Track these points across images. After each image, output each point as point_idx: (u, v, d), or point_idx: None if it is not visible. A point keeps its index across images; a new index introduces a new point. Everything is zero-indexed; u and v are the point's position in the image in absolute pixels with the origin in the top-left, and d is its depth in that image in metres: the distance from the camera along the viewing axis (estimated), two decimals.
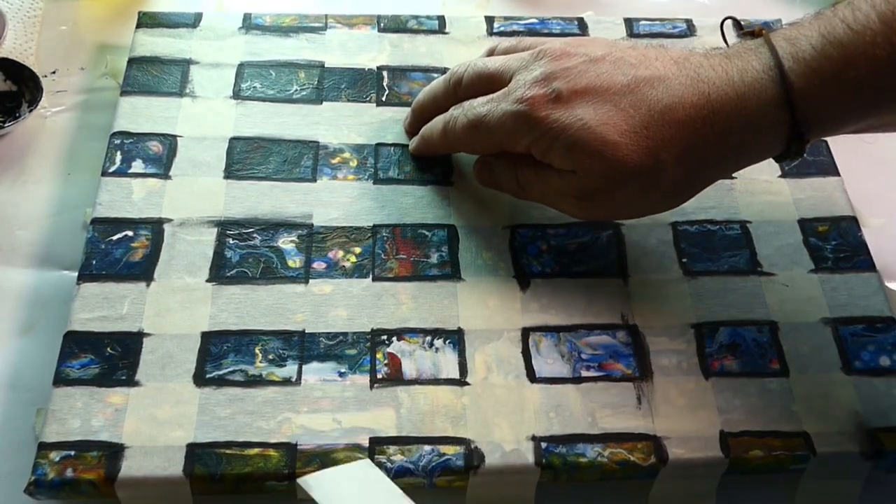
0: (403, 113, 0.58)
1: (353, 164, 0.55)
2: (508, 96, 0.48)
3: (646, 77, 0.45)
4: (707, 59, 0.46)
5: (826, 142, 0.59)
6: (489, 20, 0.64)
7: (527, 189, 0.50)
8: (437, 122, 0.53)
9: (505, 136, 0.48)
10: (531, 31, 0.64)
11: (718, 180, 0.49)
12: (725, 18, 0.61)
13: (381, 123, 0.58)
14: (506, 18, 0.65)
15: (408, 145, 0.56)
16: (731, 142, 0.44)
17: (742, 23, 0.65)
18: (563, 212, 0.50)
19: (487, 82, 0.50)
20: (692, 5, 0.72)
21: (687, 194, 0.48)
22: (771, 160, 0.47)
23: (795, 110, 0.43)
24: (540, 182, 0.49)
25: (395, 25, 0.63)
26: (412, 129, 0.56)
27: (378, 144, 0.56)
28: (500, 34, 0.63)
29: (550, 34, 0.64)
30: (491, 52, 0.54)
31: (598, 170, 0.45)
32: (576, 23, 0.65)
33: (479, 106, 0.50)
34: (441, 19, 0.64)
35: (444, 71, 0.60)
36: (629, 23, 0.65)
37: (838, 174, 0.57)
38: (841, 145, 0.59)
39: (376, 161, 0.55)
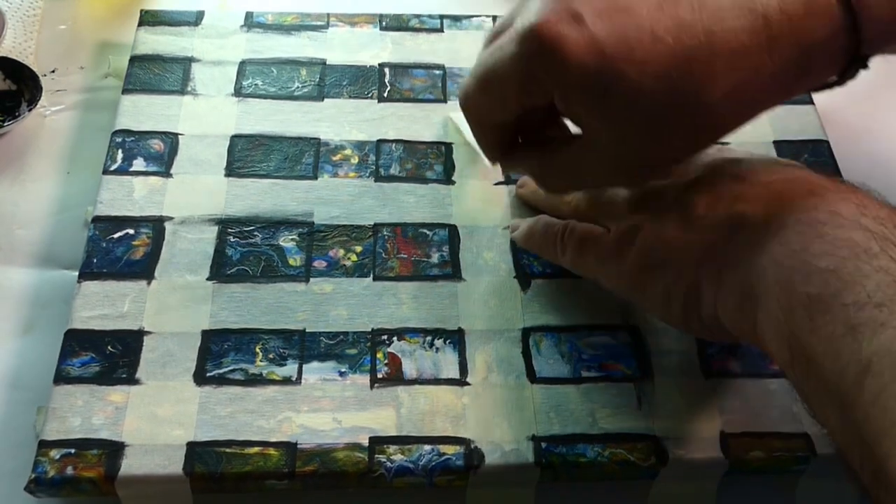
0: (405, 109, 0.58)
1: (355, 161, 0.55)
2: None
3: None
4: None
5: (826, 141, 0.58)
6: (493, 19, 0.64)
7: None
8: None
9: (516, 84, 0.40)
10: None
11: None
12: None
13: (383, 119, 0.57)
14: None
15: (408, 140, 0.56)
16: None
17: None
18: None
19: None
20: None
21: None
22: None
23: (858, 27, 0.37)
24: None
25: (397, 24, 0.63)
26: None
27: (380, 141, 0.56)
28: None
29: None
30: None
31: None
32: None
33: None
34: (443, 18, 0.64)
35: (445, 68, 0.60)
36: None
37: (838, 173, 0.57)
38: (841, 145, 0.59)
39: (377, 158, 0.55)
